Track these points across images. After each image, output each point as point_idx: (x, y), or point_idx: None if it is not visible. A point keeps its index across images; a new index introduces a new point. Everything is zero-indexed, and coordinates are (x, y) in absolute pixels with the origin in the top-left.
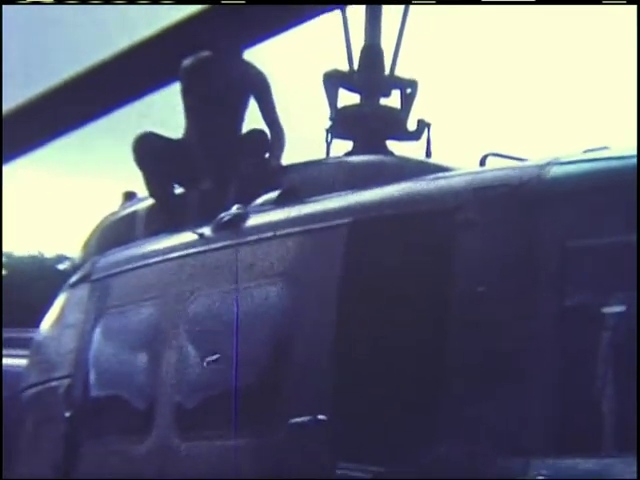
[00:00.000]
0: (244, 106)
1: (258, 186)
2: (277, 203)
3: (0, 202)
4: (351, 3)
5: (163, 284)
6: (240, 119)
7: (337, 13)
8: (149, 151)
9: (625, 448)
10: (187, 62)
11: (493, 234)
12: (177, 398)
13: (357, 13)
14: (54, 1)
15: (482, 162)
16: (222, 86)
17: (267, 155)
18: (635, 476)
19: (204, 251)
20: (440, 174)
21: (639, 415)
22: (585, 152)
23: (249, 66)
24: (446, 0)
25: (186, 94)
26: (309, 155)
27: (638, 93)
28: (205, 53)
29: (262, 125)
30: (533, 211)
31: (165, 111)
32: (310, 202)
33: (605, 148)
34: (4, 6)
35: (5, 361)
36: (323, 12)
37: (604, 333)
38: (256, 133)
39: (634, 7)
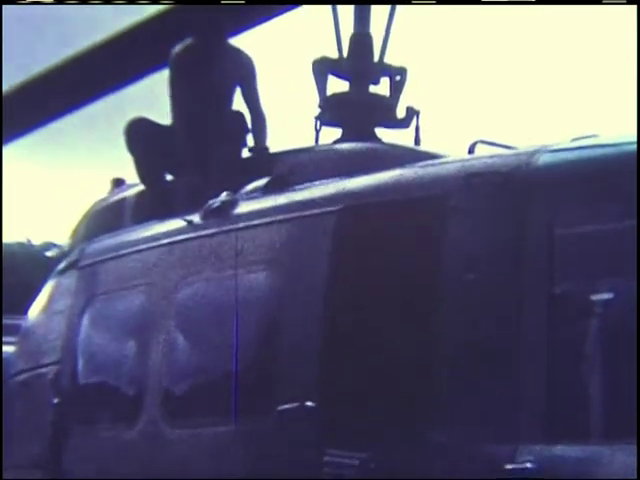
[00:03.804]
0: (232, 93)
1: (240, 169)
2: (266, 190)
3: (0, 196)
4: (345, 3)
5: (152, 271)
6: (228, 106)
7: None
8: (141, 137)
9: (612, 436)
10: (176, 49)
11: (482, 221)
12: (165, 385)
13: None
14: (54, 1)
15: (471, 150)
16: (211, 74)
17: (250, 139)
18: (623, 462)
19: (193, 238)
20: (429, 161)
21: (639, 408)
22: (573, 140)
23: (238, 52)
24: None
25: (174, 81)
26: (298, 142)
27: (638, 92)
28: (194, 40)
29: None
30: (522, 198)
31: (157, 97)
32: (299, 189)
33: (593, 136)
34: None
35: None
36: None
37: (593, 320)
38: (234, 115)
39: (634, 7)
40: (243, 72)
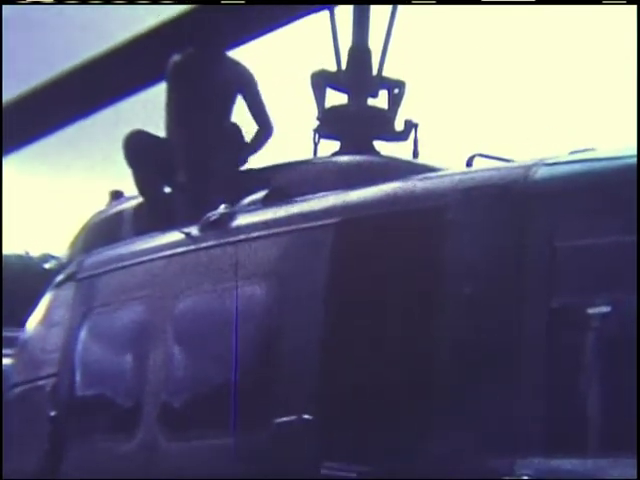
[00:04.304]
0: (231, 104)
1: (239, 180)
2: (265, 203)
3: (0, 204)
4: (343, 3)
5: (150, 284)
6: (227, 117)
7: (325, 13)
8: (139, 149)
9: (612, 449)
10: (175, 59)
11: (480, 234)
12: (163, 397)
13: (345, 13)
14: (54, 1)
15: (469, 163)
16: (209, 84)
17: (248, 144)
18: (622, 475)
19: (191, 250)
20: (427, 174)
21: (639, 417)
22: (571, 153)
23: (235, 64)
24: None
25: (173, 91)
26: (296, 155)
27: (638, 93)
28: (192, 51)
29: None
30: (520, 212)
31: (155, 110)
32: (298, 202)
33: (591, 149)
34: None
35: None
36: (311, 12)
37: (592, 333)
38: (232, 126)
39: (634, 7)
40: (243, 81)
